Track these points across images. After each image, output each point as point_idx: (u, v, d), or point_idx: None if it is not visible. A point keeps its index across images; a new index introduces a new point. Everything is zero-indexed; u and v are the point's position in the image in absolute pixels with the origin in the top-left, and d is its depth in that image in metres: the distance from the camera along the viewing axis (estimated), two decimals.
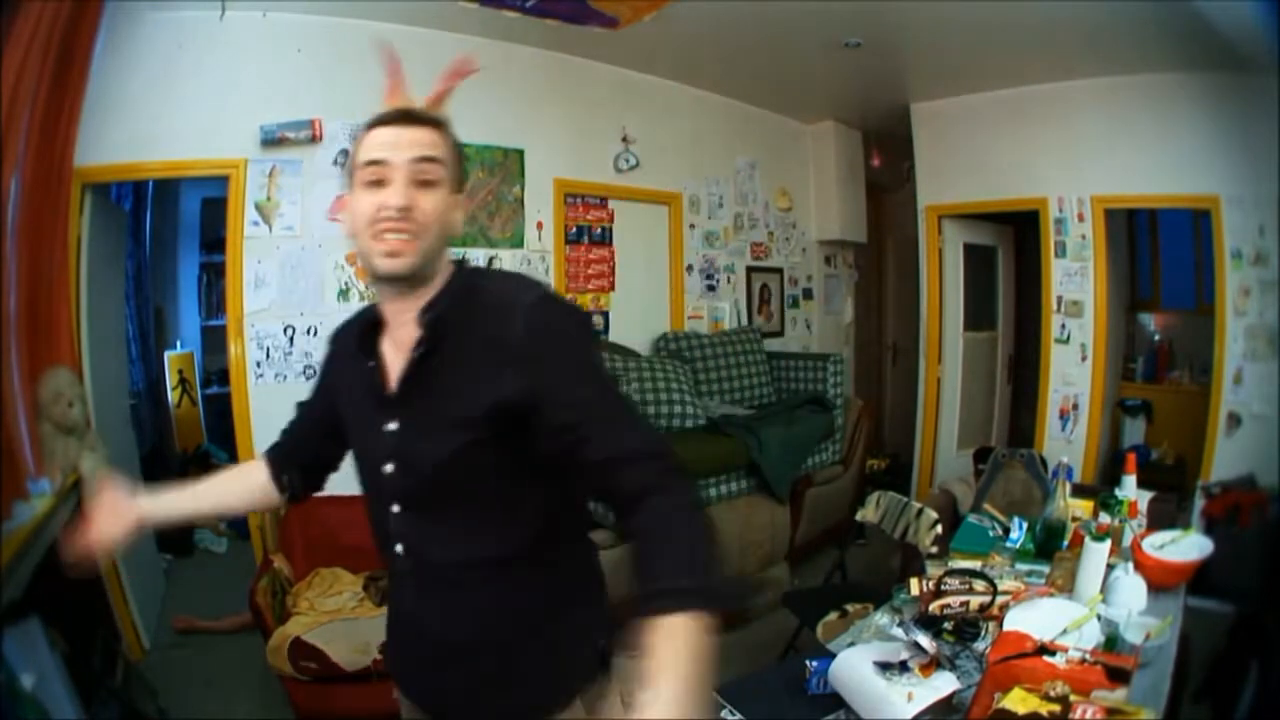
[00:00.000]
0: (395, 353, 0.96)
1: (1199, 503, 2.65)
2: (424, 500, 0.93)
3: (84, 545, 1.06)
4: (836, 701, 1.29)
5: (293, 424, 1.19)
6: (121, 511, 1.08)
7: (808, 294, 5.04)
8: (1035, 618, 1.45)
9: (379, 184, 0.89)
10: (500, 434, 0.88)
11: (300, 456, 1.17)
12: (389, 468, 0.94)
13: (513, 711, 0.97)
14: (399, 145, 0.91)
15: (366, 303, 1.05)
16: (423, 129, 0.94)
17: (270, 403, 2.93)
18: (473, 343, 0.90)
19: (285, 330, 2.96)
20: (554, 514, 0.95)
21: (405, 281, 0.91)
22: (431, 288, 0.93)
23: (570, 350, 0.90)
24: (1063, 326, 3.97)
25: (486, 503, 0.92)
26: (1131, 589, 1.56)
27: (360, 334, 0.99)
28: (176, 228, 5.02)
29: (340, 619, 2.53)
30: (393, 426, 0.93)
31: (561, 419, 0.85)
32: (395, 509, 0.95)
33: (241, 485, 1.19)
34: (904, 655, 1.29)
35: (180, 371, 4.79)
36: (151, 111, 2.71)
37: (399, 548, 0.96)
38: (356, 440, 1.02)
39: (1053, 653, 1.21)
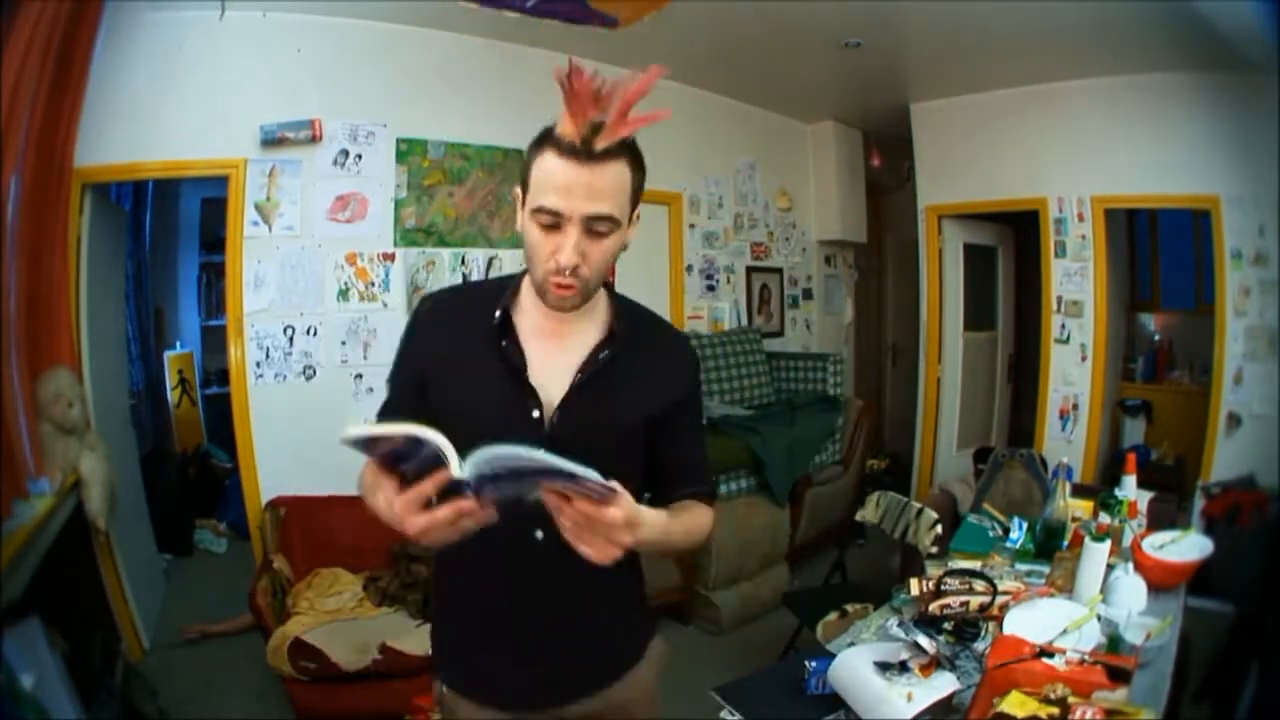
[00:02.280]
0: (546, 348, 1.05)
1: (1199, 503, 2.65)
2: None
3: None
4: (836, 701, 1.29)
5: (393, 406, 1.10)
6: None
7: (808, 294, 5.03)
8: (1035, 618, 1.45)
9: (555, 228, 0.95)
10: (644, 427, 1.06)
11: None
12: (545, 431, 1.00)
13: (615, 670, 1.13)
14: (575, 194, 0.92)
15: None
16: (606, 168, 0.94)
17: (270, 403, 2.93)
18: (651, 356, 1.08)
19: (285, 330, 2.96)
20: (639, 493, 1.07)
21: (568, 312, 1.03)
22: (595, 303, 1.07)
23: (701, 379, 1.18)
24: (1063, 326, 3.97)
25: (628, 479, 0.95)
26: (1131, 589, 1.56)
27: (484, 320, 1.05)
28: (176, 228, 5.02)
29: (340, 619, 2.53)
30: (546, 415, 1.01)
31: (687, 424, 1.12)
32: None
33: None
34: (904, 655, 1.29)
35: (180, 372, 4.79)
36: (151, 111, 2.71)
37: (539, 533, 0.99)
38: (475, 421, 0.95)
39: (1051, 655, 1.21)
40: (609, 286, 1.09)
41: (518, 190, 1.02)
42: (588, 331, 1.06)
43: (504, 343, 1.03)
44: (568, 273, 0.95)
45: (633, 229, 1.05)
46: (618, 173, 0.95)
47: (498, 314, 1.04)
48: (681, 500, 1.08)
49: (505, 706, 1.09)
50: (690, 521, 1.06)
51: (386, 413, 1.09)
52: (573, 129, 0.91)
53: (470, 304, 1.09)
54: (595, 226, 0.95)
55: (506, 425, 0.95)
